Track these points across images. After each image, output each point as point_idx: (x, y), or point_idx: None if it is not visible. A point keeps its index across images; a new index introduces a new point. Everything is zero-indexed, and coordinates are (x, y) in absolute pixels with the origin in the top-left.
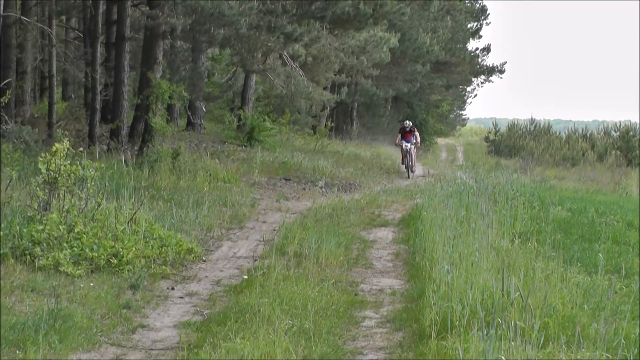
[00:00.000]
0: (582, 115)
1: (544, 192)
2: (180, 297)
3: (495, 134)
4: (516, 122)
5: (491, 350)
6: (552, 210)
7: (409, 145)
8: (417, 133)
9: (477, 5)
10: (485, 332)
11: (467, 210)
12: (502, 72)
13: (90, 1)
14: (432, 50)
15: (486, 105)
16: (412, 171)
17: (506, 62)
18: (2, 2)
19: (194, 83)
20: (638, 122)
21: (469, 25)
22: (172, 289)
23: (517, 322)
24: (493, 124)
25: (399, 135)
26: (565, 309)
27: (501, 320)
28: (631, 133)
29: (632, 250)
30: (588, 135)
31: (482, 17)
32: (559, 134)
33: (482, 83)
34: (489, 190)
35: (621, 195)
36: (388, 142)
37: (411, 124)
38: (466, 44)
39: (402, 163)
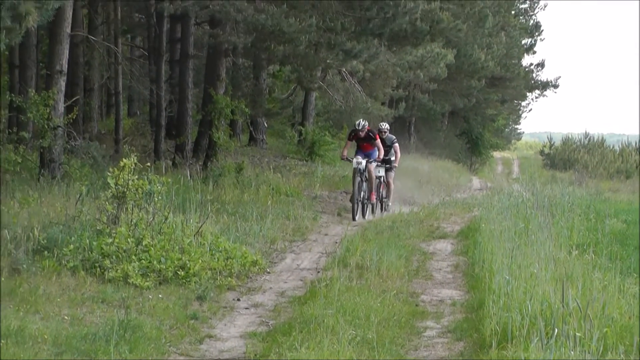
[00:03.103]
0: (635, 129)
1: (599, 204)
2: (246, 308)
3: (550, 147)
4: (570, 136)
5: None
6: (607, 222)
7: (363, 162)
8: (395, 145)
9: (531, 21)
10: (545, 342)
11: (525, 222)
12: (556, 86)
13: (155, 20)
14: (487, 65)
15: (541, 119)
16: (367, 212)
17: (560, 77)
18: (70, 21)
19: (255, 99)
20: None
21: (523, 41)
22: (238, 300)
23: (576, 332)
24: (548, 137)
25: (348, 144)
26: (623, 319)
27: (561, 330)
28: None
29: None
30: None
31: (537, 33)
32: (613, 147)
33: (536, 97)
34: (546, 203)
35: None
36: (445, 155)
37: (386, 127)
38: (521, 59)
39: (353, 197)
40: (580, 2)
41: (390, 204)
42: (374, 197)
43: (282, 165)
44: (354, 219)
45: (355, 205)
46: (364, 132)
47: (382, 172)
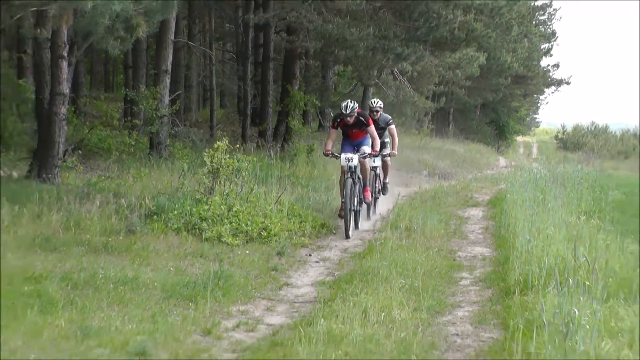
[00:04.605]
0: (634, 118)
1: (602, 179)
2: (316, 262)
3: (563, 133)
4: (579, 124)
5: (564, 304)
6: (610, 194)
7: (354, 158)
8: (391, 127)
9: (549, 30)
10: (559, 290)
11: (542, 193)
12: (568, 83)
13: (242, 29)
14: (512, 66)
15: (555, 110)
16: (359, 219)
17: (572, 76)
18: (173, 30)
19: (323, 93)
20: (638, 123)
21: (542, 46)
22: (310, 255)
23: (585, 282)
24: (561, 125)
25: (333, 134)
26: (622, 272)
27: (572, 280)
28: None
29: None
30: (638, 134)
31: (553, 39)
32: (614, 133)
33: (552, 92)
34: (559, 178)
35: None
36: (477, 140)
37: (379, 104)
38: (540, 61)
39: (345, 207)
40: (588, 15)
41: (387, 181)
42: (368, 193)
43: None
44: (347, 236)
45: (349, 216)
46: (354, 117)
47: (377, 162)
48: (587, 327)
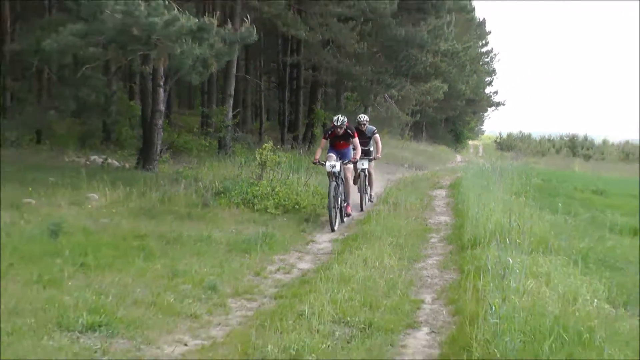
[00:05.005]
0: (551, 129)
1: (527, 170)
2: None
3: (500, 138)
4: (512, 133)
5: (502, 255)
6: (532, 180)
7: (337, 165)
8: (375, 136)
9: (491, 68)
10: (499, 245)
11: (486, 180)
12: (504, 104)
13: (282, 67)
14: (465, 93)
15: (495, 122)
16: (345, 216)
17: (506, 99)
18: (235, 66)
19: (337, 111)
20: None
21: (486, 79)
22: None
23: (517, 240)
24: (499, 133)
25: (323, 143)
26: (541, 233)
27: (507, 239)
28: (575, 138)
29: (576, 202)
30: (551, 139)
31: (493, 74)
32: (535, 139)
33: (493, 110)
34: (498, 169)
35: (570, 172)
36: (442, 143)
37: (365, 118)
38: (484, 89)
39: (329, 205)
40: (519, 55)
41: (373, 194)
42: (349, 209)
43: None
44: (332, 229)
45: (333, 214)
46: (343, 130)
47: (366, 165)
48: (517, 271)
